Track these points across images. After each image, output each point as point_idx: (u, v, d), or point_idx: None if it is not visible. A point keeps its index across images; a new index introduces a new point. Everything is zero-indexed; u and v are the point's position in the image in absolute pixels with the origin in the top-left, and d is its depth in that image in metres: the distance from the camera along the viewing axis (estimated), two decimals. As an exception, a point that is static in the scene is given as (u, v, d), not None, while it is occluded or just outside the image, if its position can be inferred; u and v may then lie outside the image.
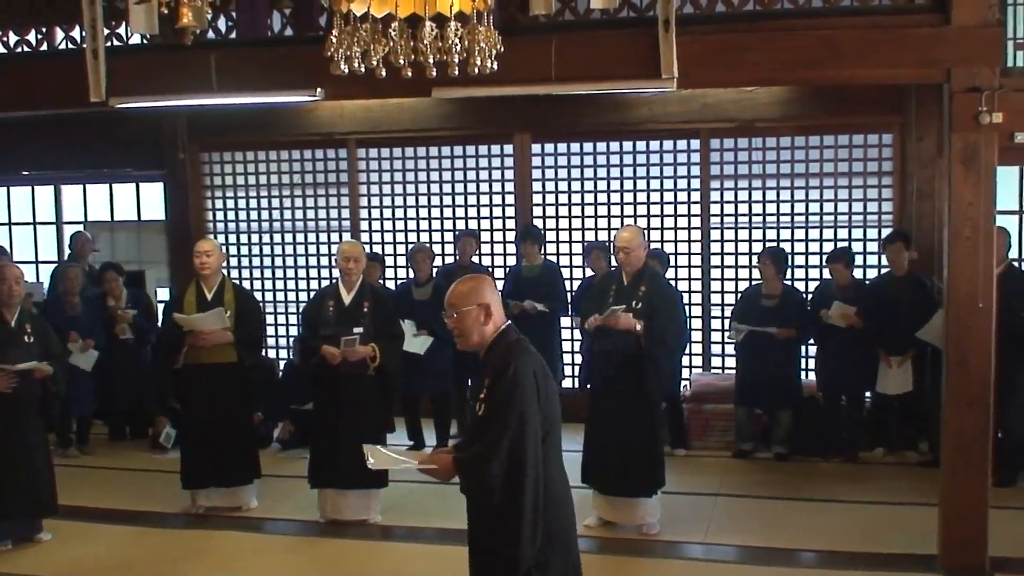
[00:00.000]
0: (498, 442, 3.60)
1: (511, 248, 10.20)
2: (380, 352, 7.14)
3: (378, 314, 7.26)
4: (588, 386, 7.09)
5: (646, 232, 9.87)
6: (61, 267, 9.58)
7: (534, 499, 3.63)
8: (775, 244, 9.42)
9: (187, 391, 7.47)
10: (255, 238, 11.02)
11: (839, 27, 6.25)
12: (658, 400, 7.15)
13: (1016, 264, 8.45)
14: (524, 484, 3.60)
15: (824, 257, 9.22)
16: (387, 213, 10.63)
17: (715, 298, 9.92)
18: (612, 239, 7.23)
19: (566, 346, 9.97)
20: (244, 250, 11.05)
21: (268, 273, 11.04)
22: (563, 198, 10.20)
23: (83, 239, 10.55)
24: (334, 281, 7.55)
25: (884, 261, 8.89)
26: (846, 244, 9.22)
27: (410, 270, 9.46)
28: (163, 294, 10.88)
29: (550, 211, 10.24)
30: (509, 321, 3.90)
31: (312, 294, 8.80)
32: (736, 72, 6.56)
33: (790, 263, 9.42)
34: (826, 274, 9.17)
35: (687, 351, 9.45)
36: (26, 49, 7.59)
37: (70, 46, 7.50)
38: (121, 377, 9.51)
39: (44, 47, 7.64)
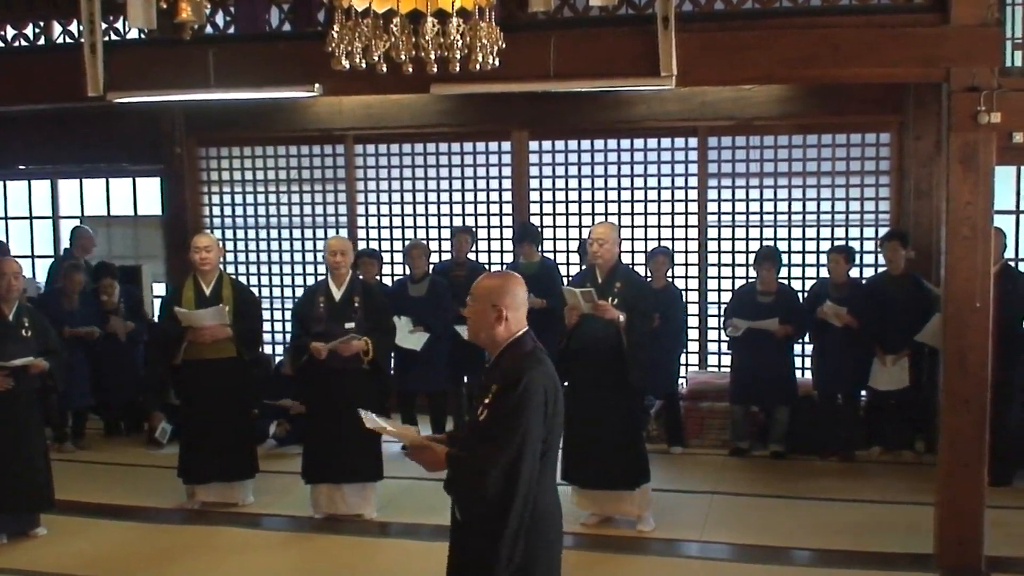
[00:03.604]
0: (497, 456, 3.48)
1: (508, 245, 10.19)
2: (373, 346, 7.13)
3: (370, 308, 7.26)
4: (565, 383, 6.99)
5: (645, 230, 9.95)
6: (65, 266, 9.55)
7: (519, 520, 3.54)
8: (771, 243, 9.43)
9: (187, 386, 7.48)
10: (252, 234, 11.01)
11: (838, 26, 6.26)
12: (639, 392, 7.17)
13: (1012, 264, 8.46)
14: (513, 504, 3.51)
15: (823, 255, 9.26)
16: (384, 210, 10.63)
17: (712, 296, 9.93)
18: (588, 234, 7.24)
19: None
20: (241, 246, 11.04)
21: (265, 269, 11.03)
22: (560, 195, 10.20)
23: (85, 234, 10.55)
24: (324, 277, 7.54)
25: (881, 260, 8.89)
26: (843, 243, 9.21)
27: (406, 267, 9.45)
28: (159, 289, 10.87)
29: (547, 208, 10.24)
30: (526, 328, 3.77)
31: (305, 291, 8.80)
32: (735, 70, 6.55)
33: (788, 261, 9.47)
34: (823, 272, 9.20)
35: (684, 349, 9.46)
36: (24, 43, 7.58)
37: (68, 40, 7.49)
38: (116, 372, 9.53)
39: (42, 41, 7.64)
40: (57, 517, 7.15)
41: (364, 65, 4.29)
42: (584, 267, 9.26)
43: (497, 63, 4.36)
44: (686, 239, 9.94)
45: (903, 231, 8.81)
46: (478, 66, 4.27)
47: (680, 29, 6.26)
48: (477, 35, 4.17)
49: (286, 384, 9.08)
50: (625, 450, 6.89)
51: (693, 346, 9.96)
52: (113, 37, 7.33)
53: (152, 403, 9.54)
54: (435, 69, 4.21)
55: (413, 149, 10.48)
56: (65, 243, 11.40)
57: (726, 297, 9.56)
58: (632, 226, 9.94)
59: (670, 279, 9.21)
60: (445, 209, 10.49)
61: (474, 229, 9.99)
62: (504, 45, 4.38)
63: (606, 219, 9.67)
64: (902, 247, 8.48)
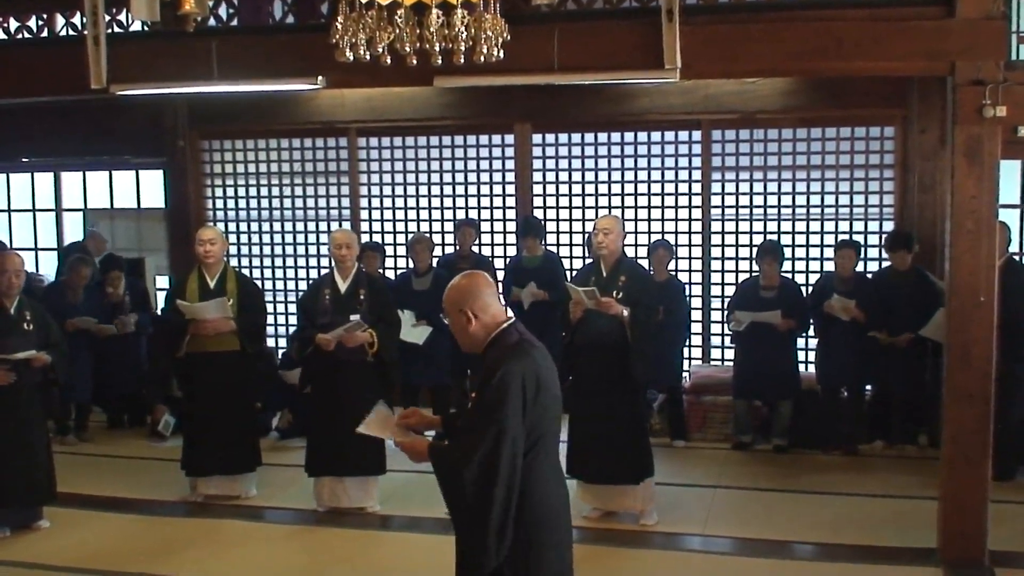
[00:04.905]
0: (473, 450, 3.53)
1: (511, 238, 10.18)
2: (378, 338, 7.13)
3: (375, 301, 7.26)
4: (570, 377, 6.94)
5: (648, 223, 9.95)
6: (72, 259, 9.54)
7: (503, 511, 3.54)
8: (774, 237, 9.43)
9: (190, 379, 7.47)
10: (255, 226, 11.01)
11: (843, 19, 6.22)
12: (643, 387, 7.17)
13: (1016, 258, 8.44)
14: (494, 496, 3.51)
15: (827, 248, 9.27)
16: (387, 202, 10.62)
17: (715, 290, 9.92)
18: (593, 226, 7.23)
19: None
20: (244, 238, 11.04)
21: (268, 262, 11.03)
22: (563, 188, 10.19)
23: (98, 237, 10.69)
24: (329, 270, 7.53)
25: (885, 254, 8.87)
26: (847, 237, 9.18)
27: (409, 260, 9.45)
28: (162, 282, 10.87)
29: (550, 201, 10.23)
30: (511, 319, 3.77)
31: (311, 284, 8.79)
32: (739, 63, 6.52)
33: (792, 255, 9.46)
34: (827, 266, 9.18)
35: (687, 343, 9.45)
36: (27, 36, 7.56)
37: (71, 33, 7.48)
38: (119, 365, 9.52)
39: (45, 33, 7.62)
40: (60, 510, 7.15)
41: (368, 57, 4.27)
42: (589, 260, 9.29)
43: (502, 55, 4.35)
44: (689, 232, 9.92)
45: (908, 234, 8.69)
46: (482, 58, 4.26)
47: (684, 22, 6.23)
48: (482, 27, 4.15)
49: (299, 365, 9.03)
50: (630, 445, 6.88)
51: (696, 340, 9.96)
52: (116, 29, 7.33)
53: (155, 396, 9.54)
54: (439, 61, 4.20)
55: (416, 142, 10.47)
56: (68, 236, 11.44)
57: (729, 291, 9.55)
58: (636, 219, 9.93)
59: (672, 272, 9.20)
60: (448, 202, 10.48)
61: (477, 222, 9.98)
62: (509, 37, 4.37)
63: (609, 212, 9.65)
64: (908, 253, 8.44)
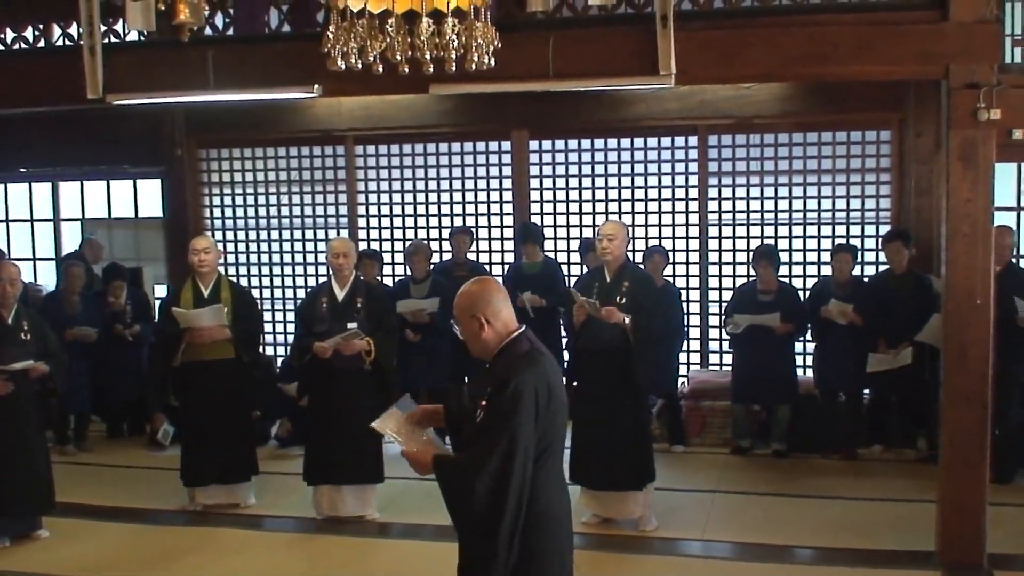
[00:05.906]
0: (486, 459, 3.49)
1: (509, 245, 10.19)
2: (375, 346, 7.13)
3: (372, 309, 7.25)
4: (574, 383, 6.98)
5: (646, 229, 9.95)
6: (64, 263, 9.56)
7: (513, 522, 3.54)
8: (770, 242, 9.44)
9: (186, 388, 7.46)
10: (253, 235, 11.01)
11: (837, 23, 6.25)
12: (645, 393, 7.16)
13: (1015, 262, 8.43)
14: (505, 506, 3.50)
15: (824, 253, 9.27)
16: (385, 210, 10.63)
17: (713, 295, 9.93)
18: (596, 231, 7.23)
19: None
20: (242, 247, 11.04)
21: (266, 270, 11.03)
22: (561, 195, 10.20)
23: (95, 244, 10.72)
24: (327, 278, 7.53)
25: (883, 258, 8.88)
26: (844, 241, 9.19)
27: (407, 268, 9.45)
28: (161, 291, 10.87)
29: (548, 208, 10.24)
30: (522, 328, 3.74)
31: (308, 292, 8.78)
32: (734, 68, 6.54)
33: (789, 259, 9.46)
34: (824, 270, 9.19)
35: (684, 348, 9.45)
36: (23, 46, 7.58)
37: (67, 43, 7.49)
38: (119, 374, 9.51)
39: (41, 44, 7.63)
40: (59, 519, 7.15)
41: (360, 66, 4.28)
42: (586, 268, 9.30)
43: (493, 63, 4.36)
44: (687, 238, 9.94)
45: (904, 230, 8.77)
46: (474, 66, 4.27)
47: (679, 28, 6.24)
48: (473, 35, 4.16)
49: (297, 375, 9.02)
50: (632, 450, 6.88)
51: (694, 345, 9.97)
52: (112, 39, 7.34)
53: (154, 404, 9.53)
54: (431, 69, 4.21)
55: (413, 149, 10.48)
56: (66, 246, 11.44)
57: (727, 296, 9.55)
58: (633, 225, 9.91)
59: (668, 278, 9.21)
60: (446, 209, 10.49)
61: (474, 229, 9.99)
62: (500, 44, 4.38)
63: (607, 218, 9.65)
64: (904, 247, 8.45)
